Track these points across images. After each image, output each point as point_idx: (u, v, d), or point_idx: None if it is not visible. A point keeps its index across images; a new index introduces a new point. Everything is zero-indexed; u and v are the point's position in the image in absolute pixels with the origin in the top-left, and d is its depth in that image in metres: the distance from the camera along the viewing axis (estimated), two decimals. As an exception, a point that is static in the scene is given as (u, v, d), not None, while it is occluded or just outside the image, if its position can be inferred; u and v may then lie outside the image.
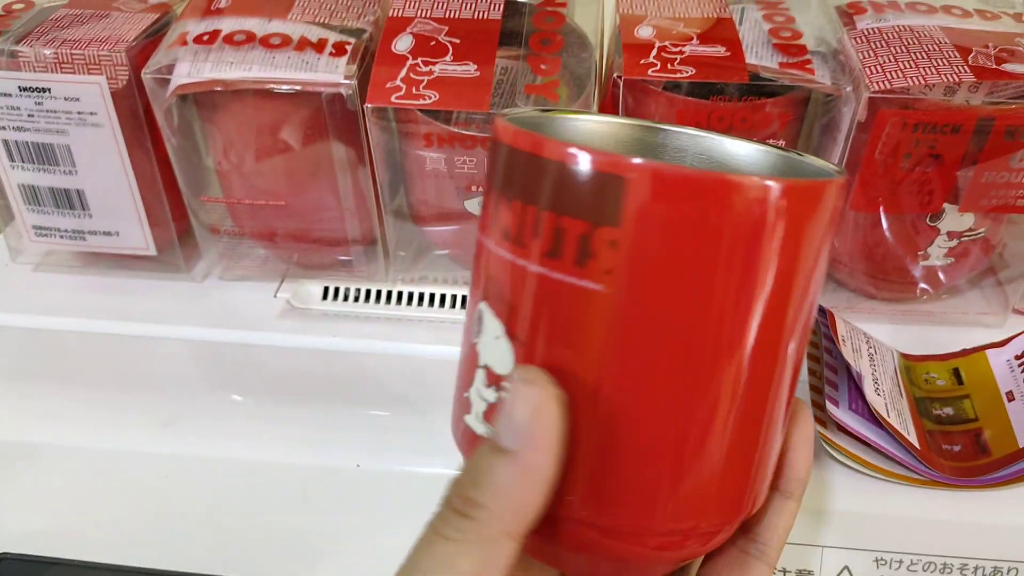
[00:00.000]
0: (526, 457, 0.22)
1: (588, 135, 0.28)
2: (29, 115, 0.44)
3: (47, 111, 0.44)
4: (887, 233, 0.44)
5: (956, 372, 0.44)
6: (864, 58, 0.40)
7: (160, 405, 0.47)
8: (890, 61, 0.40)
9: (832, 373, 0.42)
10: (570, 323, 0.22)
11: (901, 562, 0.40)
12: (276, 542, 0.46)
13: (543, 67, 0.42)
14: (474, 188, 0.45)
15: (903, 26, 0.42)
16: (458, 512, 0.23)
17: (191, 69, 0.42)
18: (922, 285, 0.46)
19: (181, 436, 0.46)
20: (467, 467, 0.23)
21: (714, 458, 0.23)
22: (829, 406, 0.40)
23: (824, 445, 0.40)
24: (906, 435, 0.39)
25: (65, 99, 0.44)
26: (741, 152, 0.28)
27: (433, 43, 0.43)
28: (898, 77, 0.39)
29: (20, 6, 0.47)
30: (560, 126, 0.28)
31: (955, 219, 0.43)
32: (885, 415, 0.39)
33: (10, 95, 0.44)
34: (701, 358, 0.22)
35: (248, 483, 0.46)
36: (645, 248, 0.21)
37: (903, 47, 0.41)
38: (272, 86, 0.42)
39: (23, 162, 0.46)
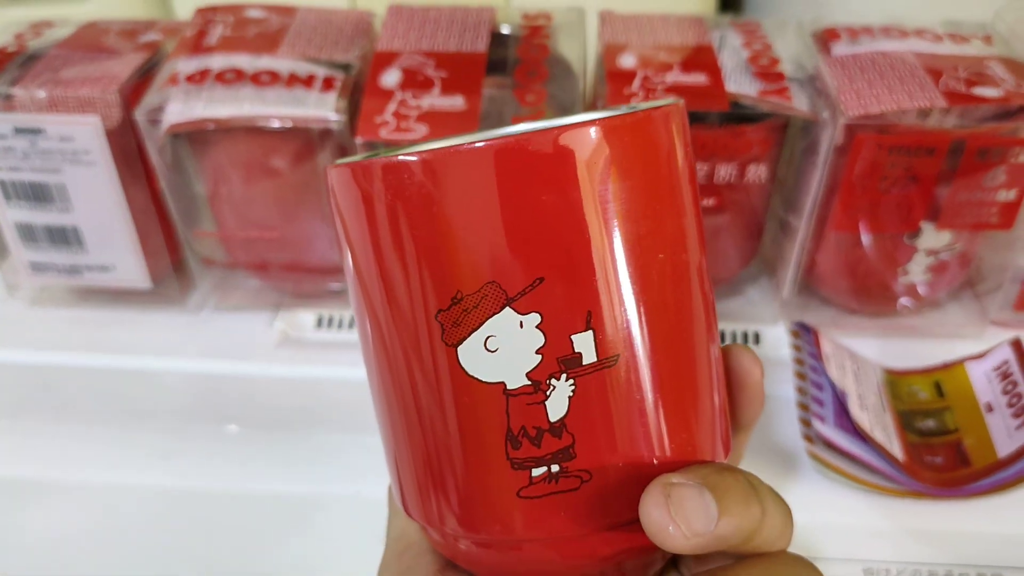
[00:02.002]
0: None
1: None
2: (24, 155, 0.45)
3: (42, 151, 0.45)
4: (868, 251, 0.45)
5: (937, 385, 0.45)
6: (840, 84, 0.42)
7: (158, 438, 0.48)
8: (865, 87, 0.41)
9: (818, 390, 0.43)
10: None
11: (888, 571, 0.42)
12: (277, 572, 0.46)
13: (529, 98, 0.43)
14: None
15: (877, 52, 0.43)
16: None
17: (183, 108, 0.43)
18: (903, 300, 0.48)
19: (180, 469, 0.47)
20: None
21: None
22: (816, 423, 0.41)
23: (811, 461, 0.41)
24: (890, 449, 0.41)
25: (59, 139, 0.44)
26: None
27: (421, 77, 0.44)
28: (873, 103, 0.40)
29: (14, 48, 0.48)
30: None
31: (932, 236, 0.45)
32: (869, 431, 0.40)
33: (5, 136, 0.45)
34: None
35: (247, 513, 0.46)
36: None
37: (877, 73, 0.42)
38: (262, 122, 0.43)
39: (19, 200, 0.47)
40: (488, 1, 0.50)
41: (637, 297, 0.21)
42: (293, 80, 0.44)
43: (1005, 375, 0.44)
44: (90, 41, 0.48)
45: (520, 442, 0.22)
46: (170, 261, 0.50)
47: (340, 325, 0.50)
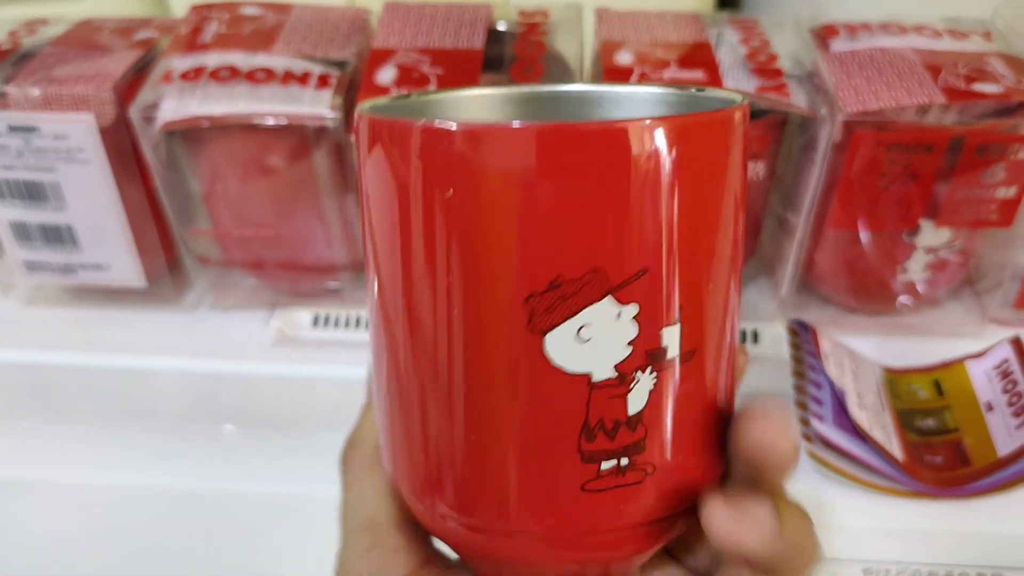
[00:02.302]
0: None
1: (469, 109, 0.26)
2: (18, 154, 0.45)
3: (36, 149, 0.45)
4: (866, 249, 0.45)
5: (937, 384, 0.45)
6: (838, 81, 0.41)
7: (154, 437, 0.48)
8: (863, 83, 0.41)
9: (816, 389, 0.42)
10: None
11: (888, 571, 0.41)
12: (273, 572, 0.46)
13: (525, 95, 0.43)
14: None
15: (876, 48, 0.43)
16: (348, 457, 0.28)
17: (177, 106, 0.43)
18: (902, 298, 0.47)
19: (176, 468, 0.47)
20: None
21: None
22: (814, 422, 0.41)
23: (810, 460, 0.41)
24: (889, 448, 0.40)
25: (53, 137, 0.44)
26: (637, 95, 0.26)
27: (416, 74, 0.43)
28: (871, 99, 0.40)
29: (8, 46, 0.47)
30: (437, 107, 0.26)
31: (932, 234, 0.44)
32: (868, 430, 0.40)
33: (-2, 135, 0.44)
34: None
35: (244, 513, 0.46)
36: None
37: (876, 69, 0.42)
38: (257, 120, 0.43)
39: (13, 199, 0.47)
40: (486, -3, 0.50)
41: (712, 293, 0.22)
42: (288, 77, 0.44)
43: (1005, 374, 0.43)
44: (84, 39, 0.48)
45: (596, 435, 0.21)
46: (165, 260, 0.50)
47: (336, 324, 0.50)
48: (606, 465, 0.21)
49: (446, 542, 0.25)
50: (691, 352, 0.21)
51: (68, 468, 0.47)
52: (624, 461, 0.21)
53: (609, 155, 0.19)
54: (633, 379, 0.21)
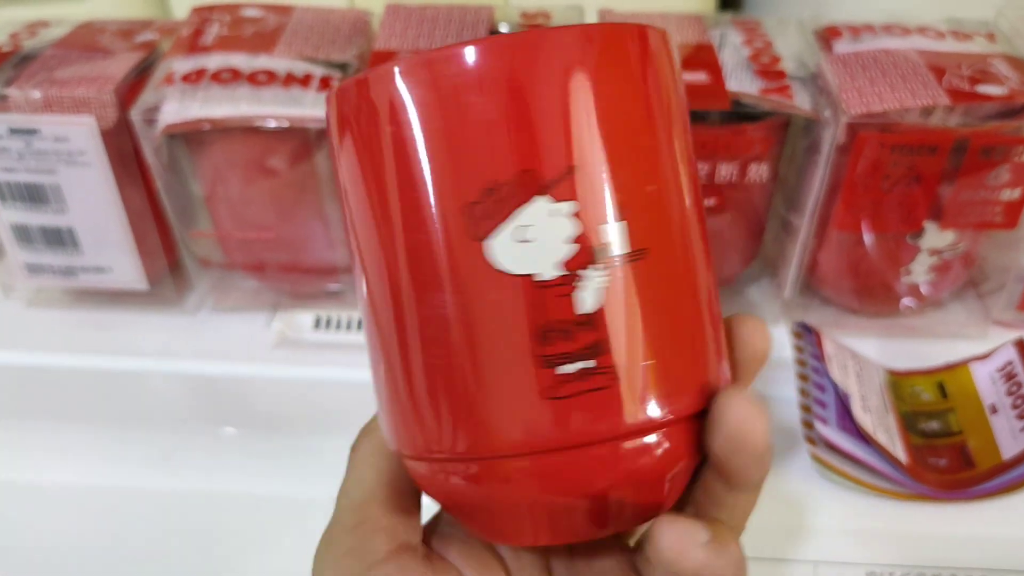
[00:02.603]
0: None
1: None
2: (19, 156, 0.45)
3: (37, 152, 0.44)
4: (870, 251, 0.45)
5: (941, 386, 0.45)
6: (842, 82, 0.41)
7: (155, 439, 0.48)
8: (867, 85, 0.41)
9: (820, 392, 0.42)
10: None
11: (893, 575, 0.41)
12: (274, 574, 0.46)
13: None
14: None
15: (879, 49, 0.43)
16: (357, 444, 0.28)
17: (179, 108, 0.42)
18: (906, 300, 0.47)
19: (177, 470, 0.46)
20: None
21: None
22: (818, 425, 0.41)
23: (814, 463, 0.41)
24: (893, 451, 0.40)
25: (54, 139, 0.44)
26: None
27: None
28: (875, 101, 0.40)
29: (9, 48, 0.47)
30: None
31: (936, 236, 0.44)
32: (872, 433, 0.40)
33: (0, 137, 0.44)
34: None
35: (245, 515, 0.46)
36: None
37: (880, 71, 0.41)
38: (259, 122, 0.42)
39: (14, 201, 0.46)
40: (486, -1, 0.50)
41: (658, 195, 0.22)
42: (290, 80, 0.44)
43: (1009, 376, 0.43)
44: (86, 41, 0.48)
45: (550, 337, 0.21)
46: (166, 262, 0.50)
47: (338, 326, 0.50)
48: (566, 368, 0.21)
49: (448, 502, 0.24)
50: (642, 251, 0.21)
51: (69, 470, 0.47)
52: (586, 364, 0.21)
53: (522, 63, 0.21)
54: (579, 277, 0.21)
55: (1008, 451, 0.40)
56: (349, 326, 0.50)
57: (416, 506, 0.27)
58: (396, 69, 0.21)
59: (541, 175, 0.21)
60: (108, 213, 0.46)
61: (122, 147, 0.45)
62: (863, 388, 0.43)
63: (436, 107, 0.21)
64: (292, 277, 0.50)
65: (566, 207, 0.21)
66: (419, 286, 0.22)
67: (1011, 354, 0.44)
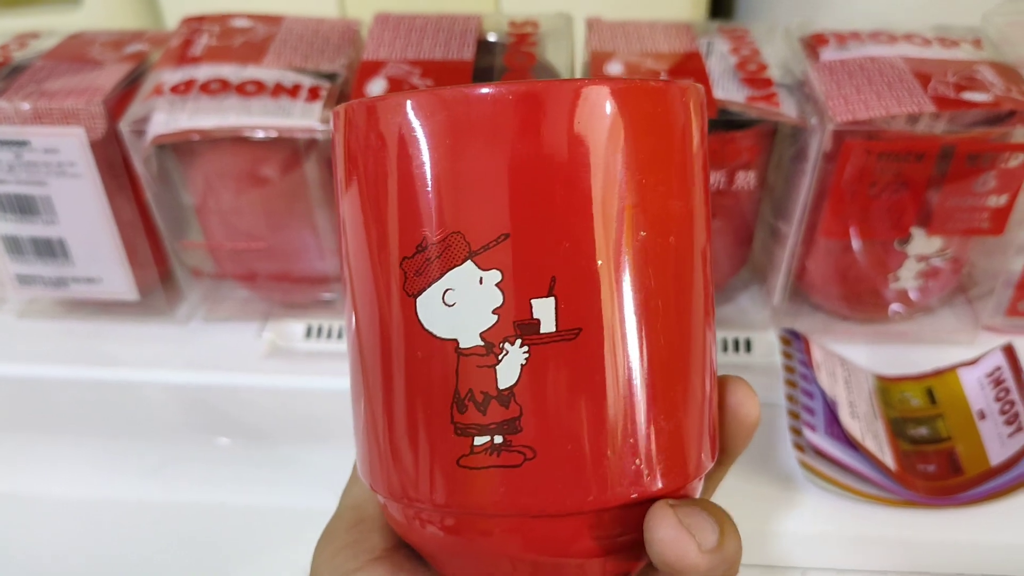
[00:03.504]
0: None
1: None
2: (9, 168, 0.45)
3: (27, 163, 0.45)
4: (858, 257, 0.45)
5: (929, 392, 0.45)
6: (828, 90, 0.41)
7: (147, 450, 0.48)
8: (853, 93, 0.41)
9: (808, 399, 0.42)
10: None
11: (882, 581, 0.41)
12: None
13: (515, 106, 0.43)
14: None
15: (866, 57, 0.43)
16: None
17: (168, 119, 0.43)
18: (894, 306, 0.47)
19: (169, 481, 0.46)
20: None
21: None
22: (806, 431, 0.41)
23: (802, 470, 0.41)
24: (882, 458, 0.40)
25: (44, 151, 0.44)
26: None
27: (406, 85, 0.43)
28: (861, 109, 0.40)
29: (-3, 61, 0.48)
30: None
31: (923, 242, 0.44)
32: (860, 439, 0.40)
33: (-11, 149, 0.44)
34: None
35: (237, 526, 0.46)
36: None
37: (866, 78, 0.42)
38: (248, 133, 0.43)
39: (4, 213, 0.47)
40: (475, 8, 0.50)
41: (611, 272, 0.21)
42: (279, 90, 0.44)
43: (998, 381, 0.43)
44: (75, 52, 0.48)
45: (466, 406, 0.21)
46: (157, 273, 0.50)
47: (330, 335, 0.50)
48: (479, 441, 0.21)
49: (413, 542, 0.25)
50: (575, 330, 0.20)
51: (61, 481, 0.47)
52: (497, 439, 0.21)
53: (461, 121, 0.20)
54: (501, 350, 0.20)
55: (996, 457, 0.41)
56: (340, 335, 0.50)
57: None
58: (349, 112, 0.22)
59: (469, 239, 0.20)
60: (98, 224, 0.47)
61: (112, 158, 0.45)
62: (851, 394, 0.43)
63: (385, 154, 0.21)
64: (283, 287, 0.50)
65: (492, 276, 0.20)
66: (368, 335, 0.22)
67: (999, 360, 0.44)
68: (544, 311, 0.20)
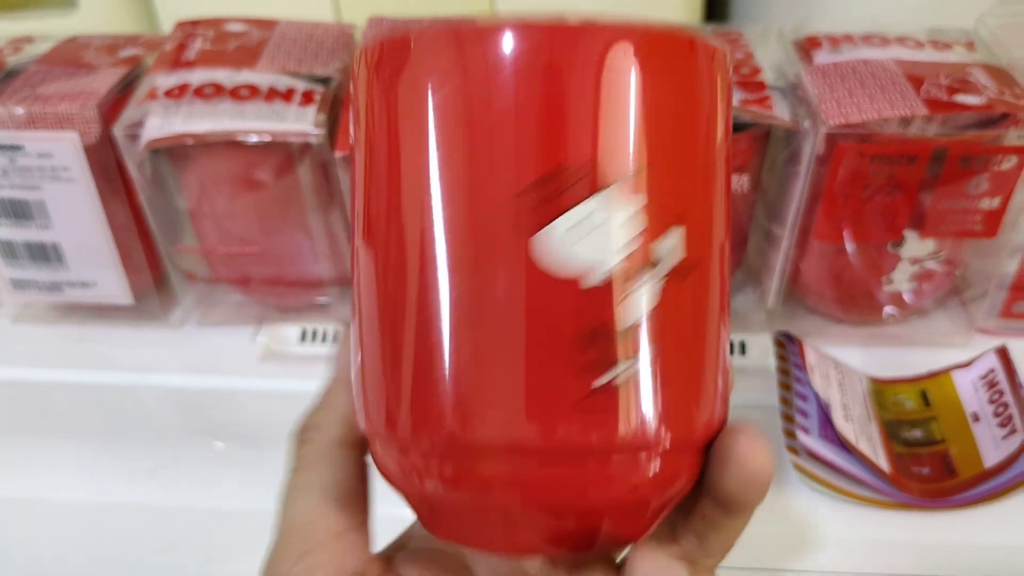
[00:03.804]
0: (337, 366, 0.25)
1: None
2: (3, 172, 0.45)
3: (21, 168, 0.45)
4: (852, 260, 0.45)
5: (923, 394, 0.45)
6: (821, 93, 0.41)
7: (142, 454, 0.48)
8: (846, 96, 0.41)
9: (802, 401, 0.42)
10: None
11: (876, 583, 0.41)
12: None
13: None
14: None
15: (859, 60, 0.43)
16: (297, 442, 0.25)
17: (162, 123, 0.43)
18: (888, 309, 0.47)
19: (164, 485, 0.46)
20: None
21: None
22: (800, 434, 0.41)
23: (797, 473, 0.41)
24: (875, 460, 0.40)
25: (38, 156, 0.44)
26: None
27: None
28: (854, 112, 0.40)
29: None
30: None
31: (916, 244, 0.44)
32: (854, 442, 0.40)
33: (-17, 154, 0.44)
34: None
35: (232, 529, 0.46)
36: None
37: (858, 81, 0.42)
38: (242, 137, 0.43)
39: (-2, 218, 0.47)
40: (469, 10, 0.50)
41: (720, 209, 0.22)
42: (272, 94, 0.44)
43: (991, 384, 0.43)
44: (69, 57, 0.48)
45: (589, 345, 0.20)
46: (152, 277, 0.50)
47: (324, 339, 0.50)
48: (600, 380, 0.20)
49: (427, 500, 0.23)
50: (692, 266, 0.21)
51: (56, 485, 0.47)
52: (621, 376, 0.20)
53: (597, 55, 0.19)
54: (629, 285, 0.20)
55: (990, 459, 0.41)
56: (335, 339, 0.50)
57: (365, 514, 0.26)
58: (467, 30, 0.20)
59: (602, 174, 0.19)
60: (93, 228, 0.47)
61: (106, 162, 0.45)
62: (845, 397, 0.43)
63: (507, 83, 0.19)
64: (277, 291, 0.50)
65: (625, 209, 0.20)
66: (462, 271, 0.20)
67: (993, 362, 0.44)
68: (671, 246, 0.20)
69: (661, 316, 0.20)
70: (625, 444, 0.21)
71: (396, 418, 0.22)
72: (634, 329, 0.20)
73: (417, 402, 0.21)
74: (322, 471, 0.25)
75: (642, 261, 0.20)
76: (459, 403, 0.21)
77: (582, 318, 0.20)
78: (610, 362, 0.20)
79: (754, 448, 0.22)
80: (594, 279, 0.20)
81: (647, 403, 0.21)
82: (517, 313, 0.20)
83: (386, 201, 0.21)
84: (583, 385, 0.20)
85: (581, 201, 0.19)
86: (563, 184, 0.19)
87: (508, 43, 0.19)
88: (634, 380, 0.20)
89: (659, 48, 0.20)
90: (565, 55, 0.19)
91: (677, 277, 0.20)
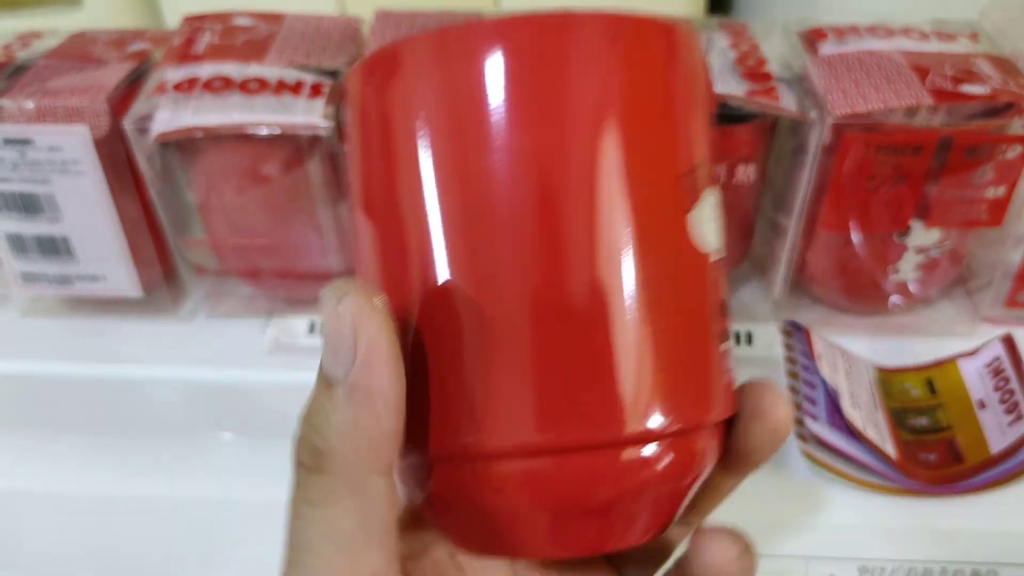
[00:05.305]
0: (358, 380, 0.20)
1: None
2: (13, 166, 0.45)
3: (30, 162, 0.45)
4: (858, 250, 0.45)
5: (929, 382, 0.45)
6: (827, 84, 0.42)
7: (152, 447, 0.48)
8: (852, 86, 0.41)
9: (810, 389, 0.43)
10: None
11: (884, 569, 0.42)
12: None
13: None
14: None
15: (864, 51, 0.44)
16: (310, 469, 0.20)
17: (171, 117, 0.43)
18: (894, 299, 0.48)
19: (173, 478, 0.47)
20: (305, 414, 0.21)
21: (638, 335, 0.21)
22: (808, 421, 0.41)
23: (805, 460, 0.41)
24: (883, 447, 0.41)
25: (48, 149, 0.44)
26: None
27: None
28: (860, 102, 0.41)
29: (2, 60, 0.48)
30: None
31: (922, 234, 0.45)
32: (862, 429, 0.40)
33: (-7, 148, 0.45)
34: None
35: (242, 521, 0.46)
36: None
37: (864, 72, 0.42)
38: (251, 130, 0.43)
39: (8, 211, 0.47)
40: (475, 5, 0.50)
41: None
42: (281, 87, 0.44)
43: (997, 371, 0.44)
44: (78, 51, 0.48)
45: (721, 313, 0.23)
46: (161, 270, 0.50)
47: (332, 331, 0.50)
48: (724, 346, 0.23)
49: (503, 503, 0.22)
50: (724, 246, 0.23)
51: (66, 479, 0.47)
52: (728, 345, 0.23)
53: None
54: (723, 258, 0.23)
55: (996, 445, 0.41)
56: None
57: (397, 542, 0.22)
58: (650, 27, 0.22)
59: (709, 165, 0.23)
60: (102, 221, 0.47)
61: (115, 156, 0.45)
62: (852, 385, 0.43)
63: (678, 74, 0.22)
64: (287, 283, 0.50)
65: (714, 195, 0.23)
66: (625, 250, 0.21)
67: (998, 350, 0.44)
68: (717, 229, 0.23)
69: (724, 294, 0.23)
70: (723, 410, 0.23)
71: (503, 427, 0.21)
72: (725, 304, 0.23)
73: (506, 401, 0.21)
74: (360, 505, 0.21)
75: (721, 239, 0.23)
76: (566, 402, 0.20)
77: (716, 288, 0.23)
78: (726, 331, 0.23)
79: (779, 401, 0.23)
80: (718, 253, 0.23)
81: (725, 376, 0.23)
82: (679, 289, 0.22)
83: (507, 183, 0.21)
84: (722, 354, 0.23)
85: (707, 187, 0.22)
86: (702, 171, 0.22)
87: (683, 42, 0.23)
88: (730, 347, 0.23)
89: (676, 40, 0.22)
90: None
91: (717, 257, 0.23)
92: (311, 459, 0.20)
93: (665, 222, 0.21)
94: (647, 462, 0.21)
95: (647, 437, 0.21)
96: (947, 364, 0.46)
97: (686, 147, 0.22)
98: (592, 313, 0.20)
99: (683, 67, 0.22)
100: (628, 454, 0.21)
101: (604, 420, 0.20)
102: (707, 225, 0.22)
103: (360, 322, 0.20)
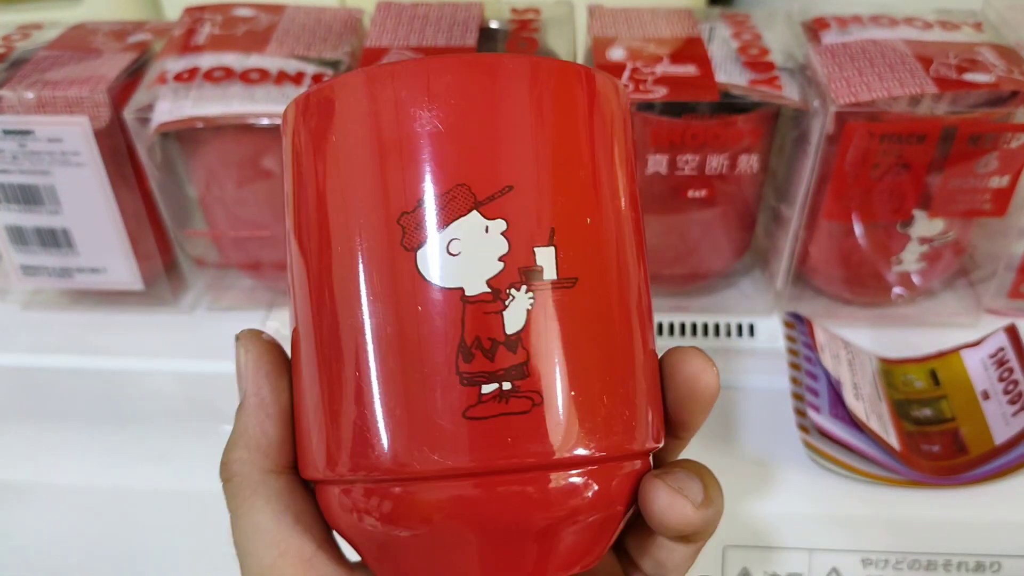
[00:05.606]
0: (246, 397, 0.24)
1: None
2: (13, 157, 0.45)
3: (31, 153, 0.45)
4: (860, 241, 0.45)
5: (933, 373, 0.45)
6: (830, 73, 0.42)
7: (153, 439, 0.48)
8: (855, 75, 0.41)
9: (813, 380, 0.43)
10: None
11: (887, 561, 0.41)
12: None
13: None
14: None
15: (867, 40, 0.43)
16: (224, 481, 0.24)
17: (172, 107, 0.43)
18: (897, 290, 0.47)
19: (175, 470, 0.46)
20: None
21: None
22: (811, 413, 0.41)
23: (808, 451, 0.41)
24: (886, 438, 0.40)
25: (48, 140, 0.44)
26: None
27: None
28: (863, 91, 0.40)
29: (2, 51, 0.48)
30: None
31: (925, 225, 0.44)
32: (865, 420, 0.40)
33: (-7, 139, 0.44)
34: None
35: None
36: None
37: (867, 61, 0.42)
38: (252, 120, 0.43)
39: (8, 203, 0.47)
40: (476, -4, 0.50)
41: (593, 228, 0.22)
42: (282, 78, 0.44)
43: (1001, 362, 0.43)
44: (78, 42, 0.48)
45: (473, 354, 0.21)
46: (162, 262, 0.50)
47: (333, 323, 0.50)
48: (487, 389, 0.21)
49: (367, 540, 0.23)
50: (573, 280, 0.22)
51: (66, 471, 0.47)
52: (506, 385, 0.21)
53: (474, 84, 0.22)
54: (508, 296, 0.21)
55: (1000, 436, 0.41)
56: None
57: (325, 529, 0.24)
58: (345, 81, 0.22)
59: (475, 191, 0.21)
60: (103, 213, 0.47)
61: (116, 147, 0.45)
62: (855, 376, 0.43)
63: (381, 118, 0.21)
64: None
65: (498, 225, 0.21)
66: (354, 295, 0.22)
67: (1002, 340, 0.44)
68: (546, 259, 0.21)
69: (544, 325, 0.21)
70: (525, 455, 0.21)
71: (337, 459, 0.22)
72: (519, 337, 0.21)
73: (327, 443, 0.22)
74: (266, 501, 0.24)
75: (516, 274, 0.21)
76: (356, 438, 0.22)
77: (468, 326, 0.21)
78: (498, 371, 0.21)
79: (705, 366, 0.23)
80: (474, 289, 0.21)
81: (549, 413, 0.21)
82: (409, 327, 0.21)
83: (297, 237, 0.23)
84: (473, 394, 0.21)
85: (453, 220, 0.21)
86: (438, 205, 0.21)
87: (393, 82, 0.22)
88: (525, 389, 0.21)
89: (525, 75, 0.22)
90: (431, 90, 0.21)
91: (558, 290, 0.21)
92: (223, 472, 0.24)
93: (379, 268, 0.21)
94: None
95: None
96: (950, 355, 0.45)
97: (411, 183, 0.21)
98: (334, 368, 0.22)
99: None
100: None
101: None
102: (448, 260, 0.21)
103: (247, 348, 0.24)
